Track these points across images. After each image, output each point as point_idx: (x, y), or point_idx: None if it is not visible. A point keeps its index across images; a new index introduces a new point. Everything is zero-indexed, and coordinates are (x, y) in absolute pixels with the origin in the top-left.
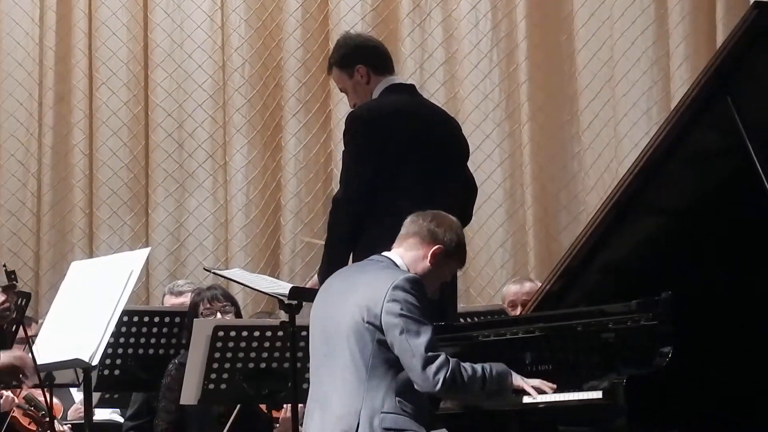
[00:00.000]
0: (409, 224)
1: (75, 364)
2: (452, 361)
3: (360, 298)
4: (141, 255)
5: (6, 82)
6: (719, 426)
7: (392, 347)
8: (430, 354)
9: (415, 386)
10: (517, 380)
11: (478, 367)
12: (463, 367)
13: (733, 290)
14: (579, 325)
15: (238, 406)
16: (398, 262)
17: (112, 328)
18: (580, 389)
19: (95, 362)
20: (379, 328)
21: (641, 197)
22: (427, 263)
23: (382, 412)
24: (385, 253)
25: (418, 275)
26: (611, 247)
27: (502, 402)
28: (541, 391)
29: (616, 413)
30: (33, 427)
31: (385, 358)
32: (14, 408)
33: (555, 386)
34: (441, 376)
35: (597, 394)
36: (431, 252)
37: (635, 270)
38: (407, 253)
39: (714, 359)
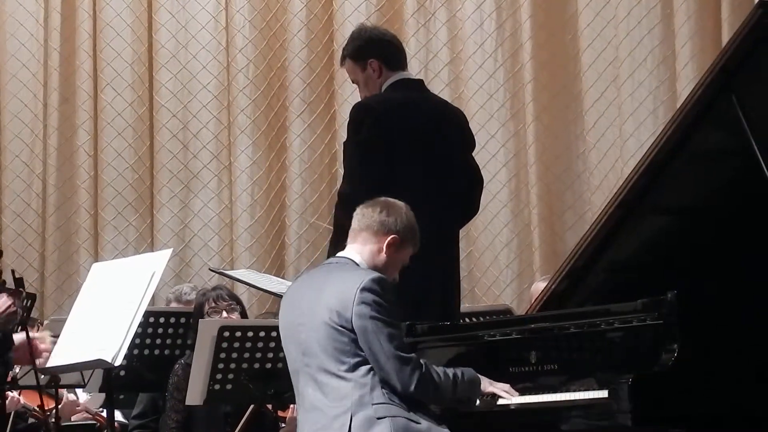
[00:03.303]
0: (360, 217)
1: (98, 364)
2: (424, 362)
3: (329, 302)
4: (163, 256)
5: (11, 83)
6: (724, 425)
7: (363, 348)
8: (403, 355)
9: (389, 386)
10: (487, 387)
11: (450, 371)
12: (435, 370)
13: (739, 289)
14: (585, 325)
15: (252, 405)
16: (357, 260)
17: (134, 329)
18: (586, 388)
19: (118, 363)
20: (352, 330)
21: (646, 197)
22: (383, 255)
23: (373, 404)
24: (341, 254)
25: (378, 268)
26: (616, 247)
27: (474, 405)
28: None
29: (621, 412)
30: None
31: (365, 357)
32: (21, 408)
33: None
34: (415, 377)
35: (603, 393)
36: (386, 243)
37: (640, 269)
38: (364, 248)
39: (719, 358)
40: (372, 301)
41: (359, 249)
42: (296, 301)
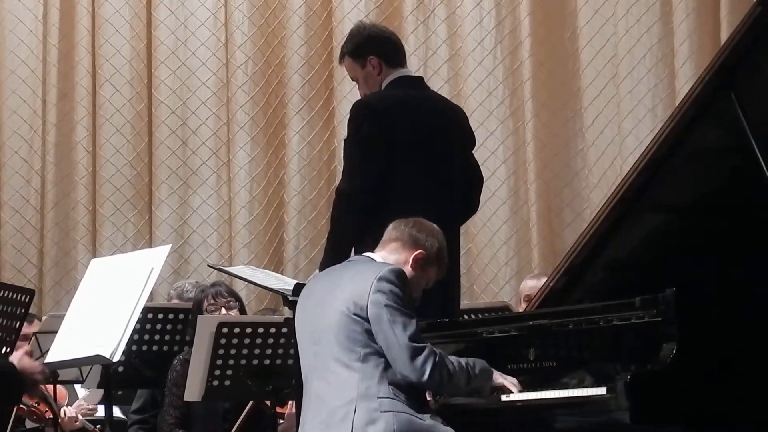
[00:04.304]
0: (391, 230)
1: (96, 360)
2: (438, 352)
3: (345, 292)
4: (161, 252)
5: (9, 79)
6: (722, 423)
7: (377, 337)
8: (416, 345)
9: (400, 377)
10: (497, 378)
11: (463, 361)
12: (449, 360)
13: (737, 287)
14: (583, 322)
15: (251, 402)
16: (378, 260)
17: (133, 325)
18: (584, 385)
19: (116, 359)
20: (366, 319)
21: (645, 194)
22: (409, 268)
23: (378, 398)
24: (366, 254)
25: None
26: (615, 244)
27: (486, 396)
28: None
29: (619, 409)
30: (50, 414)
31: (377, 348)
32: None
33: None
34: (428, 367)
35: (601, 390)
36: (413, 257)
37: (639, 267)
38: (390, 256)
39: (717, 356)
40: (388, 290)
41: (384, 256)
42: (312, 295)
